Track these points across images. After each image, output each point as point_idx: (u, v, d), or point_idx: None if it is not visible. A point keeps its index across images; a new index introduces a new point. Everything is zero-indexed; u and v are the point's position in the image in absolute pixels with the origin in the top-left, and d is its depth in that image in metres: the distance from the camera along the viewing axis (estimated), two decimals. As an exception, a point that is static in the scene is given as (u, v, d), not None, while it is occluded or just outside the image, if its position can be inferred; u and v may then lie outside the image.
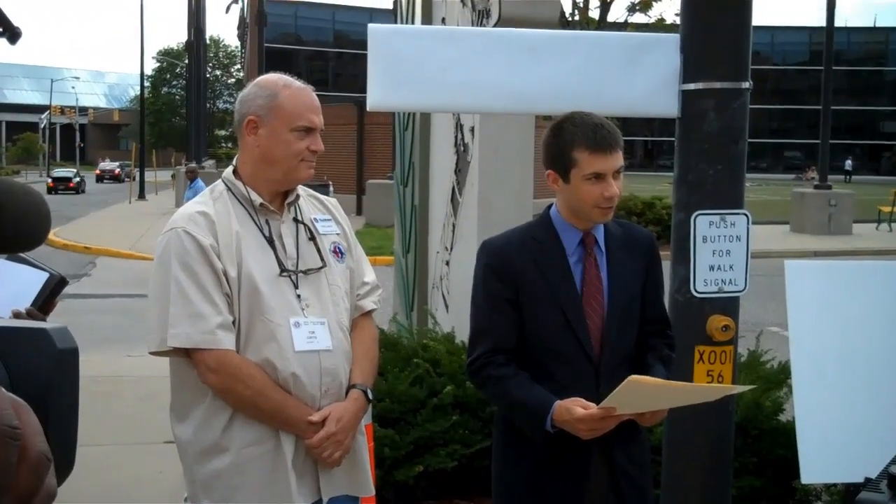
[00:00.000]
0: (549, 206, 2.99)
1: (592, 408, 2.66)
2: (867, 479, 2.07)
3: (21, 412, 0.65)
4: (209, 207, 2.74)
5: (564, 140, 2.83)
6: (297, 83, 2.82)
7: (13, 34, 0.98)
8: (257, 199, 2.78)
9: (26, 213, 0.98)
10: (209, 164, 33.24)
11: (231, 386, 2.64)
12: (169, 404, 2.83)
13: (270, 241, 2.77)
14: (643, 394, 2.63)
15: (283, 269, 2.76)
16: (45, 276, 2.43)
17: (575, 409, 2.68)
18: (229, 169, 2.88)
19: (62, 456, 0.70)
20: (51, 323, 0.85)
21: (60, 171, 53.69)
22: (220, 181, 2.87)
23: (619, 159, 2.82)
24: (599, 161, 2.77)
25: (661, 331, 3.00)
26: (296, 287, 2.77)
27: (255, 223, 2.77)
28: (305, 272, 2.80)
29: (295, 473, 2.71)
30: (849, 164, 65.34)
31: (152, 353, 2.71)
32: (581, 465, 2.85)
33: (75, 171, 54.59)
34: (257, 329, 2.68)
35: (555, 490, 2.88)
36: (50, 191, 47.10)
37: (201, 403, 2.71)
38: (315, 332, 2.76)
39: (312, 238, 2.87)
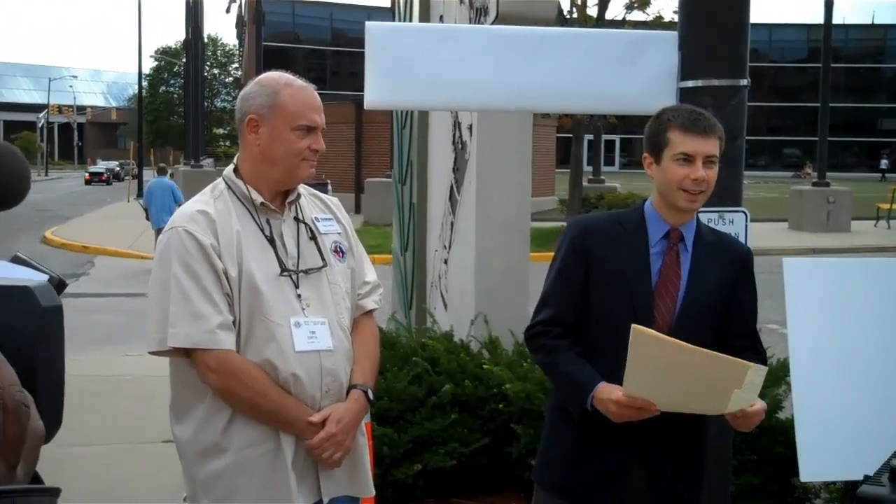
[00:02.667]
0: (646, 199, 2.99)
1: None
2: (866, 477, 2.06)
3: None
4: (210, 206, 2.72)
5: (661, 122, 2.86)
6: (299, 81, 2.79)
7: None
8: (258, 199, 2.76)
9: (8, 172, 0.98)
10: (207, 162, 33.22)
11: (231, 386, 2.63)
12: (168, 404, 2.82)
13: (271, 241, 2.75)
14: (658, 361, 2.57)
15: (283, 269, 2.74)
16: (45, 277, 2.42)
17: (615, 391, 2.68)
18: (230, 167, 2.85)
19: (50, 410, 0.71)
20: (34, 280, 0.85)
21: (94, 168, 63.57)
22: (220, 179, 2.84)
23: (711, 145, 2.77)
24: (690, 142, 2.76)
25: (752, 346, 2.90)
26: (296, 287, 2.75)
27: (256, 222, 2.75)
28: (306, 272, 2.78)
29: (295, 474, 2.70)
30: (885, 162, 64.43)
31: (152, 353, 2.69)
32: (620, 459, 2.85)
33: (105, 167, 62.84)
34: (257, 329, 2.67)
35: (590, 477, 2.89)
36: (87, 183, 57.43)
37: (201, 403, 2.69)
38: (316, 332, 2.74)
39: (313, 237, 2.85)
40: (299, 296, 2.75)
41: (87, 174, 62.31)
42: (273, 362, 2.67)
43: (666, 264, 2.84)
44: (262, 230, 2.75)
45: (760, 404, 2.71)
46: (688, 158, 2.76)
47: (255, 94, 2.77)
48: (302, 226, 2.84)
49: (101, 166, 64.82)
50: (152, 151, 51.63)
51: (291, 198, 2.84)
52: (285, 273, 2.74)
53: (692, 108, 2.88)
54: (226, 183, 2.81)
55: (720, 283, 2.85)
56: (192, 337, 2.59)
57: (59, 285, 2.38)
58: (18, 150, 1.01)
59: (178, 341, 2.60)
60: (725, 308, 2.87)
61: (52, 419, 0.76)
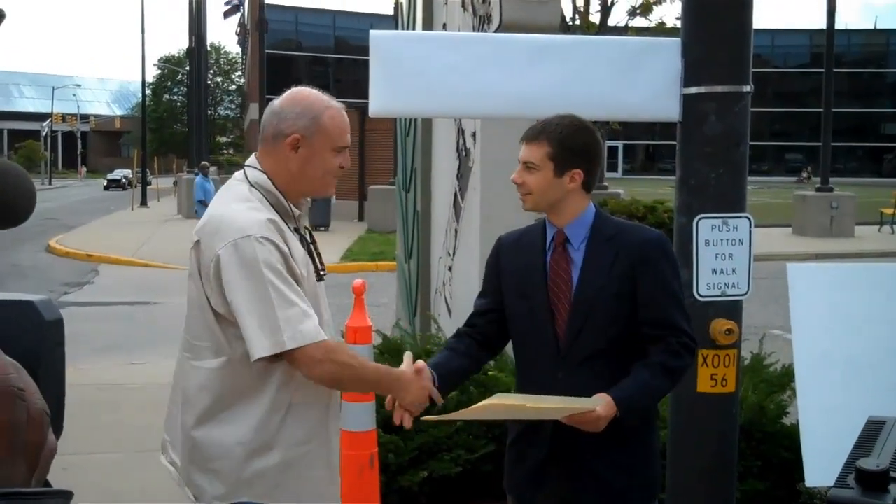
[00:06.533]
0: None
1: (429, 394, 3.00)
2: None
3: (20, 374, 0.69)
4: (270, 214, 2.79)
5: None
6: (335, 103, 2.92)
7: None
8: (296, 211, 2.90)
9: (15, 190, 0.99)
10: (211, 170, 33.28)
11: (338, 369, 2.73)
12: (207, 408, 2.81)
13: (308, 250, 2.91)
14: (504, 410, 2.97)
15: (319, 276, 2.93)
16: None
17: (407, 391, 2.97)
18: (260, 176, 2.87)
19: (52, 420, 0.73)
20: (37, 295, 0.87)
21: (112, 175, 69.46)
22: (250, 188, 2.86)
23: (527, 152, 3.05)
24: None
25: (661, 337, 2.92)
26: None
27: (291, 232, 2.85)
28: (322, 277, 2.96)
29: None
30: None
31: (259, 359, 2.67)
32: (538, 457, 3.04)
33: (121, 174, 66.89)
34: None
35: (520, 477, 3.12)
36: (106, 188, 65.07)
37: (256, 405, 2.77)
38: (331, 333, 2.95)
39: (313, 243, 2.99)
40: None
41: (105, 181, 69.23)
42: None
43: (551, 265, 3.02)
44: (299, 239, 2.89)
45: (598, 411, 2.82)
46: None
47: (297, 114, 2.85)
48: (299, 235, 2.96)
49: (117, 174, 69.47)
50: (156, 160, 51.67)
51: (301, 210, 2.96)
52: (319, 280, 2.93)
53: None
54: (261, 193, 2.85)
55: (609, 274, 2.93)
56: (309, 334, 2.66)
57: None
58: (22, 168, 1.02)
59: (298, 341, 2.65)
60: (627, 298, 2.93)
61: (54, 428, 0.79)
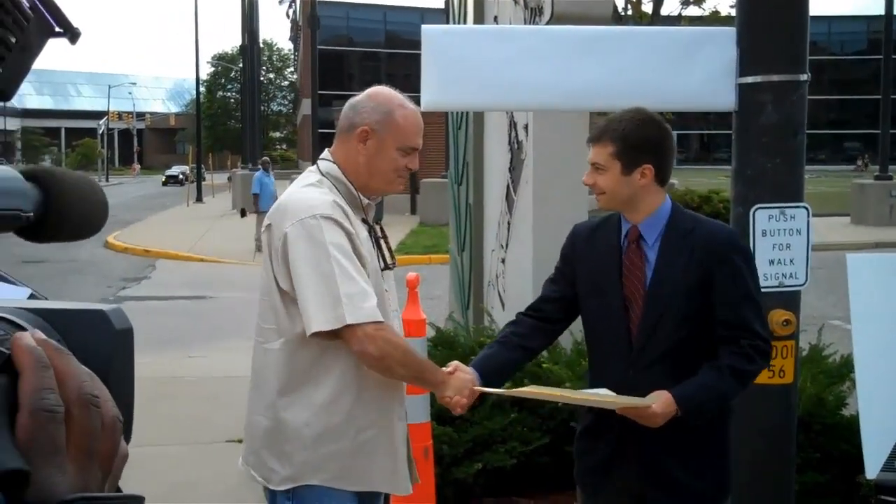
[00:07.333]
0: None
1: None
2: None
3: (94, 382, 0.72)
4: (337, 198, 2.86)
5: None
6: (411, 104, 2.98)
7: (73, 34, 1.01)
8: (365, 200, 2.96)
9: (88, 200, 1.02)
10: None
11: (388, 351, 2.76)
12: (276, 390, 2.87)
13: (375, 239, 2.97)
14: (549, 395, 3.15)
15: (385, 265, 2.97)
16: (27, 291, 2.39)
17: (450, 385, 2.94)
18: (331, 166, 2.96)
19: (124, 426, 0.76)
20: (108, 305, 0.90)
21: (170, 171, 71.11)
22: (321, 176, 2.95)
23: (593, 154, 2.98)
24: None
25: (734, 338, 2.87)
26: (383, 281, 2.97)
27: (358, 221, 2.91)
28: (390, 268, 3.01)
29: (406, 461, 2.98)
30: None
31: (315, 334, 2.72)
32: (613, 447, 3.02)
33: (179, 170, 68.01)
34: (383, 314, 2.84)
35: (590, 464, 3.13)
36: (164, 184, 66.68)
37: (324, 387, 2.82)
38: (399, 325, 3.07)
39: (384, 237, 3.04)
40: (386, 290, 2.97)
41: (164, 177, 70.76)
42: None
43: (625, 263, 2.99)
44: (367, 228, 2.95)
45: (654, 408, 2.81)
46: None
47: (371, 108, 2.93)
48: (374, 228, 3.04)
49: (175, 170, 70.73)
50: (210, 156, 52.30)
51: (375, 201, 3.04)
52: (385, 269, 2.97)
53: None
54: (331, 181, 2.93)
55: (684, 273, 2.89)
56: (367, 311, 2.71)
57: (29, 298, 2.35)
58: (95, 181, 1.06)
59: (358, 316, 2.69)
60: (702, 297, 2.89)
61: (125, 435, 0.82)
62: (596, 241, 3.08)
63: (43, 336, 0.71)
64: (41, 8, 0.95)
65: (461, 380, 2.95)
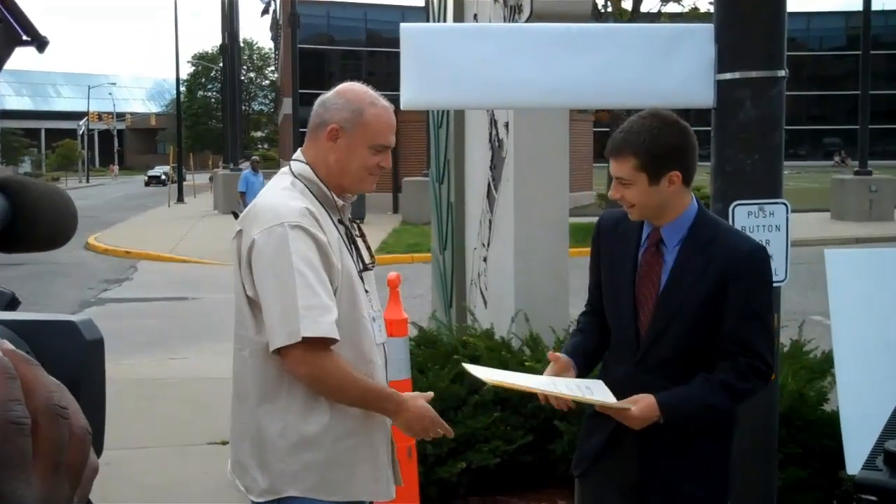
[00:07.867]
0: None
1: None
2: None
3: (63, 393, 0.71)
4: (309, 203, 2.80)
5: None
6: (382, 101, 2.92)
7: (41, 43, 1.00)
8: (339, 202, 2.90)
9: (58, 210, 1.01)
10: (245, 165, 33.50)
11: (318, 375, 2.70)
12: (255, 398, 2.83)
13: (351, 240, 2.92)
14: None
15: (364, 266, 2.92)
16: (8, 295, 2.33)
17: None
18: (303, 167, 2.91)
19: (94, 438, 0.75)
20: (79, 316, 0.89)
21: (152, 171, 70.48)
22: (294, 178, 2.90)
23: (616, 168, 2.90)
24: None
25: (732, 354, 2.83)
26: (363, 282, 2.91)
27: (333, 222, 2.86)
28: (368, 268, 2.96)
29: (389, 466, 2.95)
30: None
31: (276, 351, 2.69)
32: (614, 432, 2.97)
33: (162, 170, 66.58)
34: (353, 322, 2.80)
35: (588, 449, 3.12)
36: (146, 185, 66.28)
37: (297, 397, 2.77)
38: (380, 327, 2.97)
39: (361, 236, 3.01)
40: (366, 291, 2.92)
41: (146, 177, 70.35)
42: (366, 355, 2.85)
43: (642, 263, 2.97)
44: (341, 230, 2.89)
45: (633, 411, 2.81)
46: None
47: (340, 106, 2.87)
48: (349, 226, 2.98)
49: (157, 170, 70.13)
50: (191, 156, 52.08)
51: (348, 201, 2.97)
52: (363, 271, 2.91)
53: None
54: (303, 183, 2.88)
55: (700, 282, 2.85)
56: (324, 327, 2.64)
57: (11, 302, 2.30)
58: (64, 190, 1.05)
59: (313, 331, 2.63)
60: (714, 307, 2.84)
61: (95, 447, 0.80)
62: (618, 233, 3.05)
63: (10, 346, 0.70)
64: (8, 17, 0.93)
65: (419, 415, 2.87)
